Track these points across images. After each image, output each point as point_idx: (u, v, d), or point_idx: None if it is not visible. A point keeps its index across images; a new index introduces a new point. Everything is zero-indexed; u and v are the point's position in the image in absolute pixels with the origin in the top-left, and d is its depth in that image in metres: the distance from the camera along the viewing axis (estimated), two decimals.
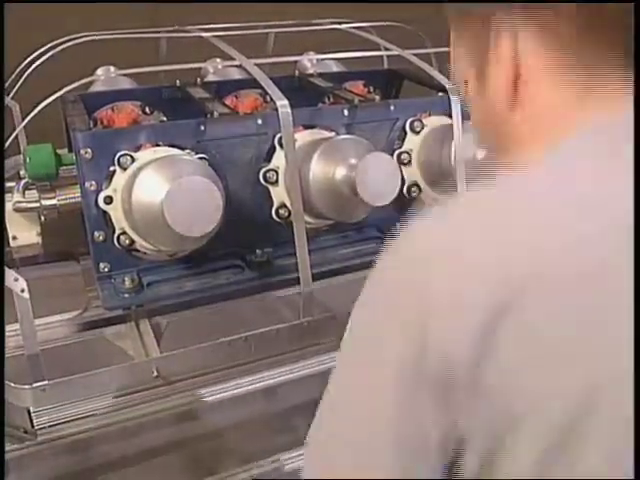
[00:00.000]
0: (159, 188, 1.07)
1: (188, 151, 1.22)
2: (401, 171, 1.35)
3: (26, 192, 1.34)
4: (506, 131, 0.56)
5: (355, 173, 1.20)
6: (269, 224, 1.34)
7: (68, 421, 1.18)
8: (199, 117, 1.27)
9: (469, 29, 0.56)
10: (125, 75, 1.54)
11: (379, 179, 1.22)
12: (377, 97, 1.48)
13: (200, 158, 1.22)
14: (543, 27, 0.50)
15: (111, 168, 1.18)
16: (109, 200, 1.18)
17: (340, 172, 1.23)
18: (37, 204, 1.32)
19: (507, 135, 0.56)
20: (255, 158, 1.32)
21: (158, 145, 1.22)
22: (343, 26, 1.71)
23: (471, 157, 1.36)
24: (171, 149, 1.22)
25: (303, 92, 1.60)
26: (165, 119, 1.45)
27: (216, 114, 1.26)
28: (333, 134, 1.36)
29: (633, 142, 0.47)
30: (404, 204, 1.46)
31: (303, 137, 1.33)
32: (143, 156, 1.18)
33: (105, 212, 1.19)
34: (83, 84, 1.20)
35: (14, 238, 1.38)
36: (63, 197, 1.32)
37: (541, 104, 0.53)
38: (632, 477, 0.44)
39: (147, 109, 1.45)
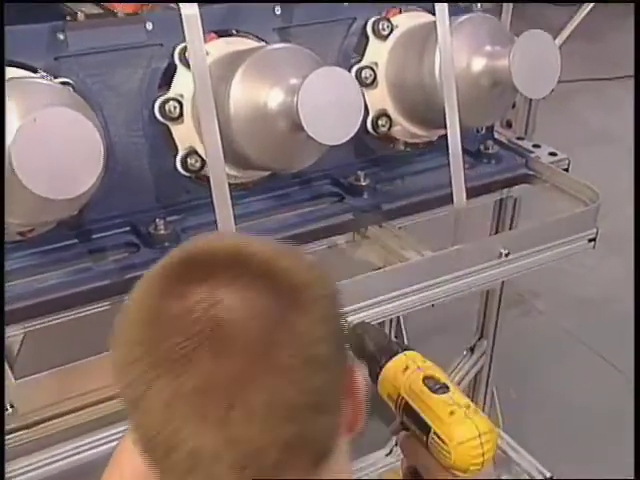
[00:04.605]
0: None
1: (42, 73, 1.11)
2: (363, 96, 1.23)
3: None
4: None
5: (297, 99, 1.10)
6: (173, 180, 1.24)
7: None
8: (55, 20, 1.15)
9: None
10: None
11: (331, 107, 1.13)
12: None
13: (62, 83, 1.10)
14: None
15: None
16: None
17: (275, 98, 1.13)
18: None
19: None
20: (146, 83, 1.20)
21: None
22: None
23: (464, 70, 1.26)
24: (15, 70, 1.09)
25: None
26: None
27: (81, 16, 1.17)
28: (262, 43, 1.25)
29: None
30: (368, 144, 1.38)
31: (217, 48, 1.21)
32: None
33: None
34: None
35: None
36: None
37: None
38: None
39: None
